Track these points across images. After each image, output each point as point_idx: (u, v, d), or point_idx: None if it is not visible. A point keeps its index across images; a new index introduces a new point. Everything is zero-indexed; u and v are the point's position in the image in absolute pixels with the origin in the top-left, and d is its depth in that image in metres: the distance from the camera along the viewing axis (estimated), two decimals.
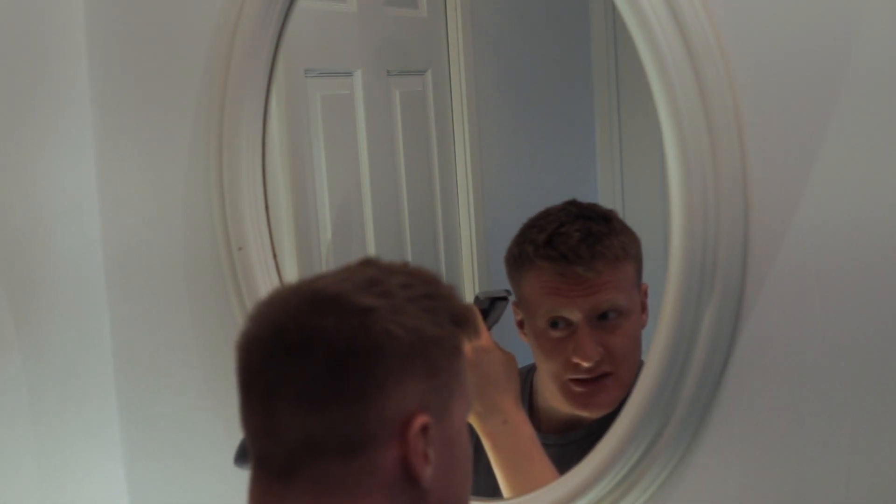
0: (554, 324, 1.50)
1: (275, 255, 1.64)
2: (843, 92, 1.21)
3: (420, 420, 0.94)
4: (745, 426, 1.31)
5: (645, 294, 1.52)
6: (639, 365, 1.49)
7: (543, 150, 1.88)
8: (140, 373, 1.83)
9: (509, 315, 1.57)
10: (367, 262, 1.01)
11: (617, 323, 1.49)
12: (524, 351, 1.57)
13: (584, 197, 1.60)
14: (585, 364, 1.48)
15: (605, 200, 1.73)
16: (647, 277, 1.53)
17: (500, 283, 1.61)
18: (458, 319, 0.99)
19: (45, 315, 1.76)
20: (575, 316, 1.48)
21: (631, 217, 1.64)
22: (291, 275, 1.69)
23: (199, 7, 1.66)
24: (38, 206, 1.74)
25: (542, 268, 1.49)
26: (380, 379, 0.93)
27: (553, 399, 1.55)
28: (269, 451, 0.96)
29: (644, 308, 1.52)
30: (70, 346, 1.79)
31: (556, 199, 1.55)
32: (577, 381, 1.50)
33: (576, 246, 1.46)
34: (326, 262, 1.82)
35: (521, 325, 1.57)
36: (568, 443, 1.52)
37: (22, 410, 1.73)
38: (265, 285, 1.60)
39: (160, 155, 1.74)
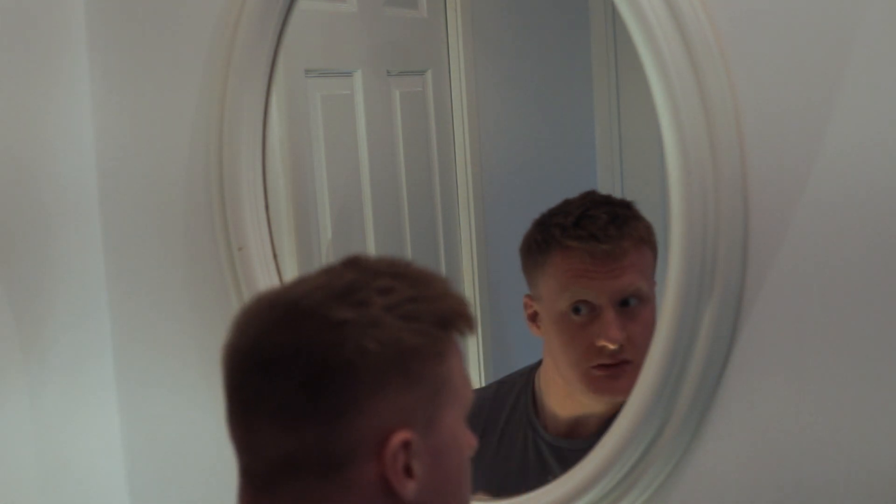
0: (576, 309, 1.50)
1: (275, 255, 1.64)
2: (842, 91, 1.21)
3: (399, 437, 0.91)
4: (745, 426, 1.31)
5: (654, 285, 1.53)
6: None
7: (543, 150, 1.88)
8: (140, 373, 1.83)
9: (517, 312, 1.57)
10: (351, 263, 0.97)
11: (637, 310, 1.49)
12: (532, 348, 1.57)
13: None
14: (611, 346, 1.48)
15: None
16: None
17: (500, 282, 1.61)
18: (445, 321, 0.95)
19: (46, 315, 1.76)
20: (599, 299, 1.49)
21: None
22: (291, 275, 1.69)
23: (199, 7, 1.66)
24: (39, 205, 1.74)
25: (571, 248, 1.49)
26: (355, 396, 0.91)
27: (556, 397, 1.55)
28: (251, 464, 0.95)
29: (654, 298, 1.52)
30: (70, 346, 1.79)
31: (556, 198, 1.55)
32: (599, 367, 1.50)
33: (605, 226, 1.48)
34: (326, 262, 1.82)
35: (533, 317, 1.57)
36: (579, 449, 1.50)
37: (22, 410, 1.73)
38: (265, 285, 1.60)
39: (161, 155, 1.74)
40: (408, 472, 0.92)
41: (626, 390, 1.41)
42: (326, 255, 1.82)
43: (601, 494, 1.37)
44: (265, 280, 1.61)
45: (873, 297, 1.22)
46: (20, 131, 1.72)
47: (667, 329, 1.29)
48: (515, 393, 1.58)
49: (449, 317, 0.96)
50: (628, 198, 1.56)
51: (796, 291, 1.26)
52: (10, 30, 1.69)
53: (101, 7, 1.77)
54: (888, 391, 1.23)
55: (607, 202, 1.53)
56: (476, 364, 1.90)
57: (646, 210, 1.53)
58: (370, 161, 1.83)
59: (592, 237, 1.48)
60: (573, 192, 1.59)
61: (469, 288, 1.90)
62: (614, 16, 1.58)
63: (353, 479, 0.92)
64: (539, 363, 1.59)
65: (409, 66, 1.91)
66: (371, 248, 1.84)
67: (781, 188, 1.25)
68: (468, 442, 1.00)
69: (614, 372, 1.49)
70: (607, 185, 1.75)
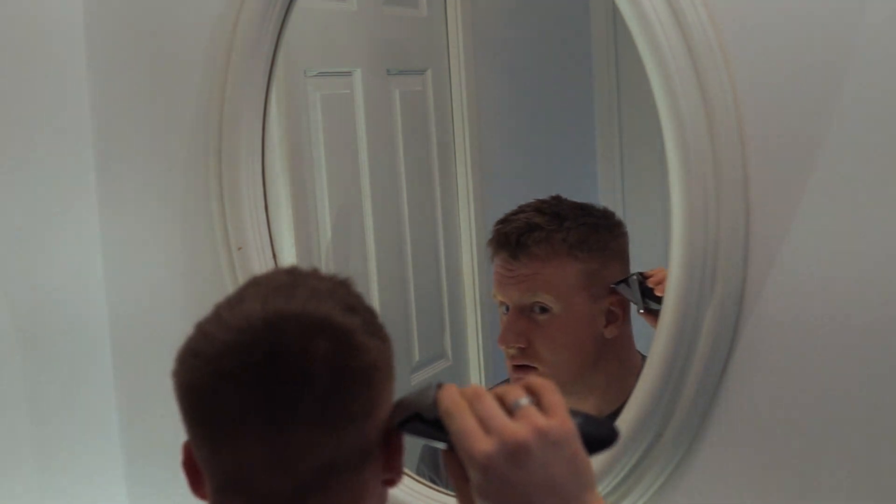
0: (506, 308, 1.53)
1: (275, 255, 1.64)
2: (843, 92, 1.21)
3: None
4: (746, 427, 1.31)
5: (617, 305, 1.51)
6: (578, 369, 1.51)
7: (543, 151, 1.87)
8: (139, 373, 1.82)
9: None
10: (293, 272, 1.00)
11: (545, 320, 1.50)
12: None
13: (584, 197, 1.59)
14: (501, 347, 1.52)
15: (606, 201, 1.73)
16: None
17: None
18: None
19: (45, 315, 1.76)
20: (508, 302, 1.52)
21: (631, 217, 1.64)
22: None
23: (198, 7, 1.66)
24: (37, 206, 1.74)
25: (490, 248, 1.54)
26: (379, 392, 0.95)
27: None
28: (275, 484, 0.93)
29: (616, 317, 1.51)
30: (70, 346, 1.79)
31: None
32: (513, 367, 1.53)
33: (509, 232, 1.50)
34: (326, 262, 1.81)
35: None
36: None
37: (22, 410, 1.73)
38: None
39: (160, 155, 1.74)
40: None
41: None
42: (326, 255, 1.82)
43: (601, 495, 1.37)
44: None
45: (874, 297, 1.22)
46: (17, 133, 1.72)
47: (668, 330, 1.29)
48: None
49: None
50: (629, 198, 1.56)
51: (797, 292, 1.26)
52: (8, 29, 1.69)
53: (100, 7, 1.76)
54: (889, 392, 1.23)
55: (540, 209, 1.52)
56: (476, 365, 1.90)
57: (646, 210, 1.53)
58: (370, 161, 1.83)
59: (497, 241, 1.52)
60: (573, 192, 1.58)
61: (469, 288, 1.89)
62: (615, 15, 1.57)
63: (372, 469, 0.96)
64: None
65: (409, 65, 1.91)
66: (371, 248, 1.84)
67: (783, 188, 1.25)
68: None
69: (520, 375, 1.51)
70: (608, 186, 1.75)
